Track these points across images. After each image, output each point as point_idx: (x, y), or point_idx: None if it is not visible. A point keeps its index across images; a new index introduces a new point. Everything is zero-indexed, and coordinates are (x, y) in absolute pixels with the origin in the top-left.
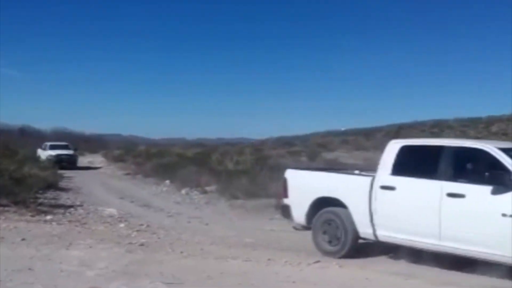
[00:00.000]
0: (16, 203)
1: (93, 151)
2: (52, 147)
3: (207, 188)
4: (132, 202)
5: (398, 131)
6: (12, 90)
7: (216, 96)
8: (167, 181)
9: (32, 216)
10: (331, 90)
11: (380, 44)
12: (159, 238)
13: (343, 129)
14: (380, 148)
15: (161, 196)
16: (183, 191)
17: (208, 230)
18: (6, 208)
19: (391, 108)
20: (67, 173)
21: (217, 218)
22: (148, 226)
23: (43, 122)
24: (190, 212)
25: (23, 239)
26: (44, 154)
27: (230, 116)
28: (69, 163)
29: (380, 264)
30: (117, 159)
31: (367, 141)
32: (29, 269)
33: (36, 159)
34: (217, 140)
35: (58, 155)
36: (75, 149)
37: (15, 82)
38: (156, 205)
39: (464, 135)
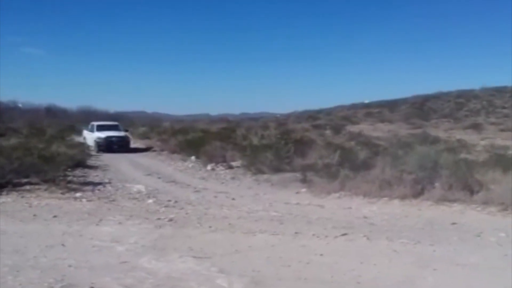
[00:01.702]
0: (46, 181)
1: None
2: (100, 128)
3: (233, 163)
4: (159, 178)
5: (423, 103)
6: (38, 69)
7: (240, 71)
8: (193, 157)
9: (62, 193)
10: (355, 62)
11: (403, 13)
12: (186, 213)
13: (367, 101)
14: (406, 120)
15: (187, 172)
16: (209, 167)
17: (234, 204)
18: (37, 186)
19: (415, 80)
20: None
21: (243, 193)
22: (175, 201)
23: (68, 101)
24: (216, 187)
25: (54, 216)
26: (91, 136)
27: (254, 91)
28: (120, 146)
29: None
30: (142, 136)
31: (392, 113)
32: (62, 245)
33: (75, 143)
34: (241, 116)
35: (108, 138)
36: (126, 130)
37: (40, 61)
38: (183, 181)
39: (490, 105)
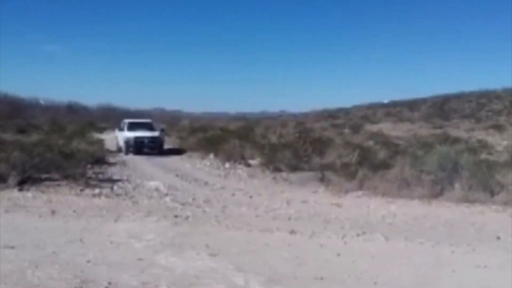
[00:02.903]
0: (66, 177)
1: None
2: (131, 126)
3: (251, 162)
4: (177, 176)
5: (443, 102)
6: (59, 67)
7: (259, 70)
8: (211, 155)
9: (81, 190)
10: (375, 61)
11: (425, 11)
12: (204, 211)
13: (386, 101)
14: (426, 119)
15: (206, 170)
16: (227, 165)
17: (252, 202)
18: (57, 182)
19: (436, 79)
20: (112, 146)
21: (261, 191)
22: (193, 199)
23: (89, 98)
24: (234, 185)
25: (73, 212)
26: (121, 136)
27: (273, 90)
28: (152, 148)
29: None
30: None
31: (412, 113)
32: (80, 240)
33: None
34: (259, 114)
35: (137, 138)
36: (161, 129)
37: (61, 59)
38: (201, 178)
39: None
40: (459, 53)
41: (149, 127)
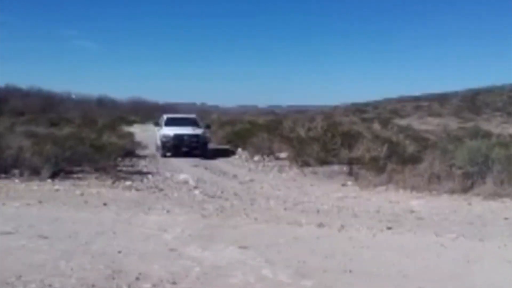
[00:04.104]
0: (97, 170)
1: None
2: (170, 122)
3: (279, 155)
4: (206, 169)
5: (474, 96)
6: (89, 61)
7: (287, 63)
8: (240, 149)
9: (112, 182)
10: (405, 54)
11: (456, 4)
12: (232, 203)
13: (416, 94)
14: (456, 113)
15: (234, 163)
16: (256, 158)
17: (280, 196)
18: (88, 175)
19: (467, 72)
20: (141, 139)
21: (290, 185)
22: (222, 192)
23: (119, 92)
24: (262, 178)
25: (104, 204)
26: (158, 133)
27: (301, 83)
28: (194, 148)
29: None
30: None
31: (442, 107)
32: (112, 232)
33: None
34: (288, 108)
35: (177, 137)
36: (206, 126)
37: (92, 53)
38: (229, 172)
39: None
40: (491, 46)
41: (190, 123)
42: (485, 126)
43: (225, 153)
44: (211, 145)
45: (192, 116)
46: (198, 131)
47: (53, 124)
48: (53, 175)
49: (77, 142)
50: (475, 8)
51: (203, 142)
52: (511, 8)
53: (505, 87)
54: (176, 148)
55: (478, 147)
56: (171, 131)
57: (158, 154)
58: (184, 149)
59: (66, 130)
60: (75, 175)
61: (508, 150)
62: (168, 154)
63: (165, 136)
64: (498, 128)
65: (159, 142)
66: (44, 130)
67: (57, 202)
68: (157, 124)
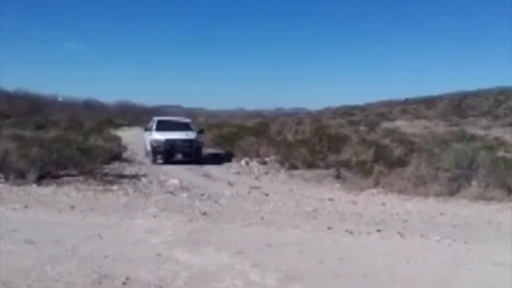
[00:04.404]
0: (84, 173)
1: None
2: (161, 126)
3: (267, 159)
4: (193, 172)
5: (461, 100)
6: (77, 64)
7: (275, 66)
8: (209, 149)
9: (99, 185)
10: (392, 58)
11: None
12: (220, 207)
13: (403, 98)
14: (443, 117)
15: (221, 167)
16: (243, 162)
17: (268, 199)
18: (75, 178)
19: (454, 76)
20: (129, 143)
21: (277, 188)
22: (209, 196)
23: (106, 95)
24: (250, 182)
25: (91, 208)
26: (148, 138)
27: (289, 86)
28: (187, 154)
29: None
30: None
31: (429, 110)
32: (99, 236)
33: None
34: (275, 111)
35: (169, 142)
36: (200, 131)
37: (80, 56)
38: (217, 175)
39: None
40: (477, 51)
41: (184, 127)
42: (471, 129)
43: (219, 159)
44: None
45: (185, 119)
46: (192, 135)
47: (40, 127)
48: (39, 179)
49: (64, 145)
50: (462, 12)
51: (196, 147)
52: (497, 13)
53: (491, 91)
54: (168, 154)
55: (464, 151)
56: (162, 135)
57: (149, 161)
58: (177, 155)
59: (53, 133)
60: (61, 179)
61: (494, 153)
62: (160, 161)
63: (156, 141)
64: (484, 132)
65: (149, 148)
66: (31, 133)
67: (43, 207)
68: (147, 128)
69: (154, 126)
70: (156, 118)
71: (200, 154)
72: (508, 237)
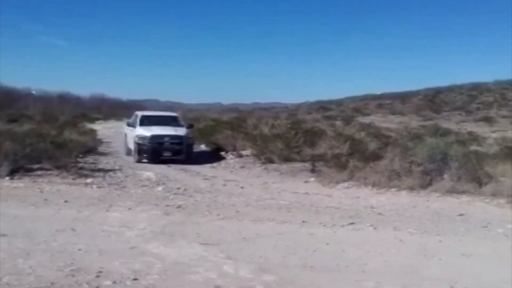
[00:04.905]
0: (58, 167)
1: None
2: (146, 121)
3: (243, 152)
4: (168, 166)
5: (435, 95)
6: (52, 57)
7: (252, 61)
8: (203, 146)
9: (73, 179)
10: (367, 54)
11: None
12: (195, 200)
13: (378, 93)
14: (417, 112)
15: (197, 161)
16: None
17: (243, 193)
18: (49, 172)
19: (428, 72)
20: (105, 136)
21: (252, 181)
22: (185, 189)
23: (81, 89)
24: (225, 175)
25: (65, 201)
26: (131, 135)
27: (266, 81)
28: (177, 152)
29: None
30: None
31: (403, 105)
32: (72, 229)
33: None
34: (252, 105)
35: (155, 138)
36: (190, 125)
37: (54, 49)
38: (192, 169)
39: (503, 98)
40: (451, 46)
41: (172, 121)
42: (444, 124)
43: (214, 157)
44: None
45: (172, 113)
46: (181, 131)
47: (13, 120)
48: (12, 173)
49: (37, 139)
50: (437, 9)
51: (187, 144)
52: (472, 9)
53: (464, 86)
54: (155, 152)
55: (437, 145)
56: (148, 131)
57: (133, 159)
58: (165, 153)
59: (26, 126)
60: (35, 173)
61: (466, 147)
62: (145, 160)
63: (140, 138)
64: (457, 126)
65: (131, 145)
66: (3, 127)
67: (16, 200)
68: (129, 124)
69: (138, 121)
70: (139, 113)
71: (191, 152)
72: (478, 229)
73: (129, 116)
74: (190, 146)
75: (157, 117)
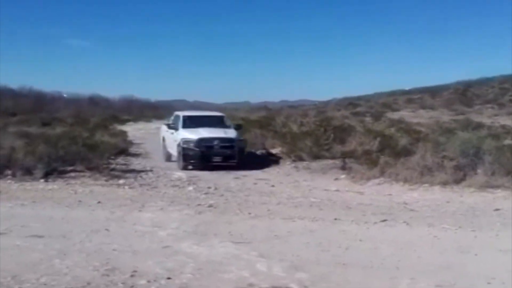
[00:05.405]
0: (90, 169)
1: (160, 118)
2: (190, 122)
3: (272, 151)
4: None
5: (465, 89)
6: (80, 60)
7: (280, 59)
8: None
9: (106, 180)
10: (396, 48)
11: None
12: (226, 199)
13: (407, 88)
14: (448, 106)
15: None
16: None
17: (274, 191)
18: (82, 174)
19: (458, 65)
20: (135, 138)
21: (283, 180)
22: (215, 188)
23: (111, 90)
24: (256, 174)
25: (98, 202)
26: (172, 138)
27: (294, 78)
28: (228, 157)
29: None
30: None
31: (433, 100)
32: (106, 230)
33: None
34: (280, 103)
35: (202, 141)
36: (238, 126)
37: (83, 52)
38: (223, 168)
39: None
40: (481, 39)
41: (218, 122)
42: (476, 118)
43: (268, 160)
44: None
45: (218, 113)
46: (231, 133)
47: (45, 123)
48: (46, 175)
49: (70, 141)
50: (465, 2)
51: (240, 148)
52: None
53: (495, 79)
54: (204, 158)
55: (470, 139)
56: (193, 134)
57: (178, 166)
58: (215, 159)
59: (59, 129)
60: (68, 175)
61: (499, 141)
62: (191, 166)
63: (186, 142)
64: (490, 120)
65: (172, 150)
66: (37, 130)
67: (51, 202)
68: (169, 126)
69: (180, 122)
70: (180, 114)
71: (243, 157)
72: None
73: (159, 117)
74: (242, 149)
75: (202, 117)
